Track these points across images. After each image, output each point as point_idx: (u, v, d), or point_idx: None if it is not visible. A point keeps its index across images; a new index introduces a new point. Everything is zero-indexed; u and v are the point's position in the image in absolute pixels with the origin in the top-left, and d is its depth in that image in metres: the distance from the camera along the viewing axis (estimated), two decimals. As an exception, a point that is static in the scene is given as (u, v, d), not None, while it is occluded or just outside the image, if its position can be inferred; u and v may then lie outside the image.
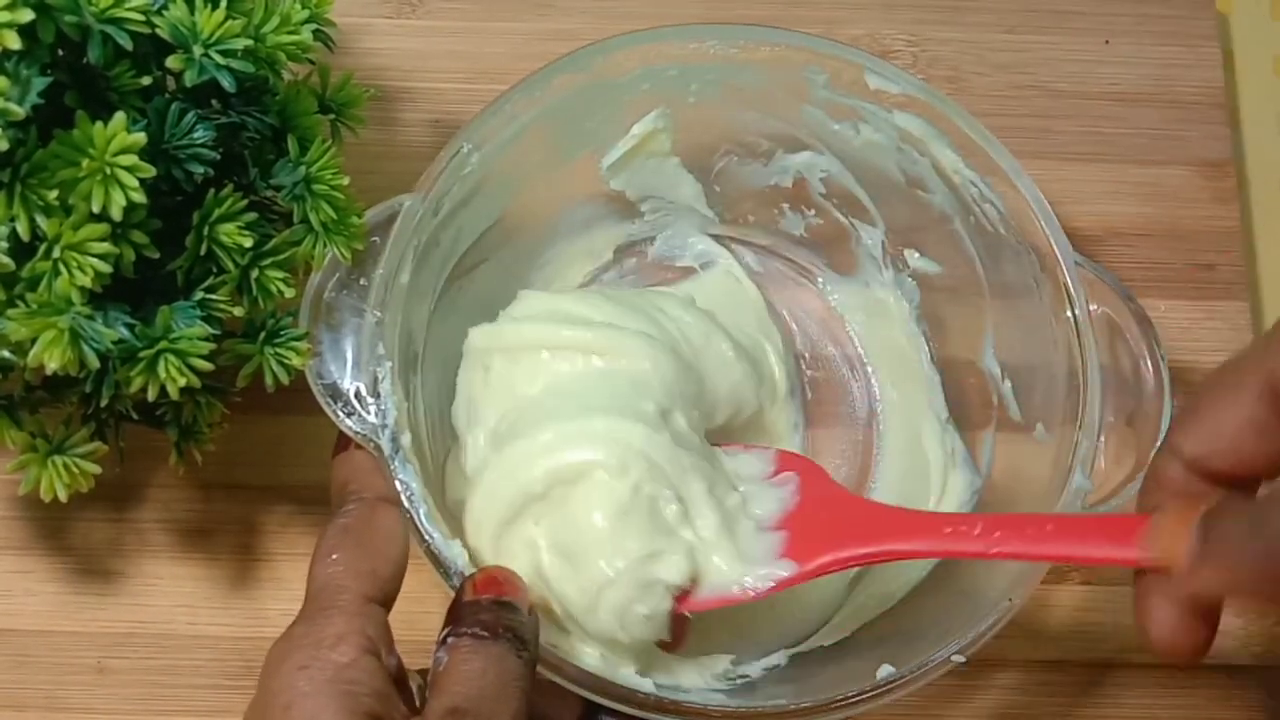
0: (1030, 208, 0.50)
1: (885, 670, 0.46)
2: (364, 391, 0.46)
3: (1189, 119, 0.63)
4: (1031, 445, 0.51)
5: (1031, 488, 0.50)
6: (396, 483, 0.45)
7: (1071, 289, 0.49)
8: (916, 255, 0.57)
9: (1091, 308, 0.49)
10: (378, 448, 0.45)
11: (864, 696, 0.45)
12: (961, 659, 0.46)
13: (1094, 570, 0.56)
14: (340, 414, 0.46)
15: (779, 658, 0.52)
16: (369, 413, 0.46)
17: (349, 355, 0.46)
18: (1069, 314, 0.49)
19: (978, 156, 0.51)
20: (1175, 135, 0.63)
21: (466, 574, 0.44)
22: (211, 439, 0.50)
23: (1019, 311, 0.52)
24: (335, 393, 0.46)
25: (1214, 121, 0.63)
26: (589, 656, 0.47)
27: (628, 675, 0.47)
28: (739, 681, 0.50)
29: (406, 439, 0.46)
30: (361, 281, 0.47)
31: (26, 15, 0.37)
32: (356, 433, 0.46)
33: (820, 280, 0.60)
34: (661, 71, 0.52)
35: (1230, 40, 0.67)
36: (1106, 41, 0.65)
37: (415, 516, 0.45)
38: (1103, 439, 0.48)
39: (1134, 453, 0.48)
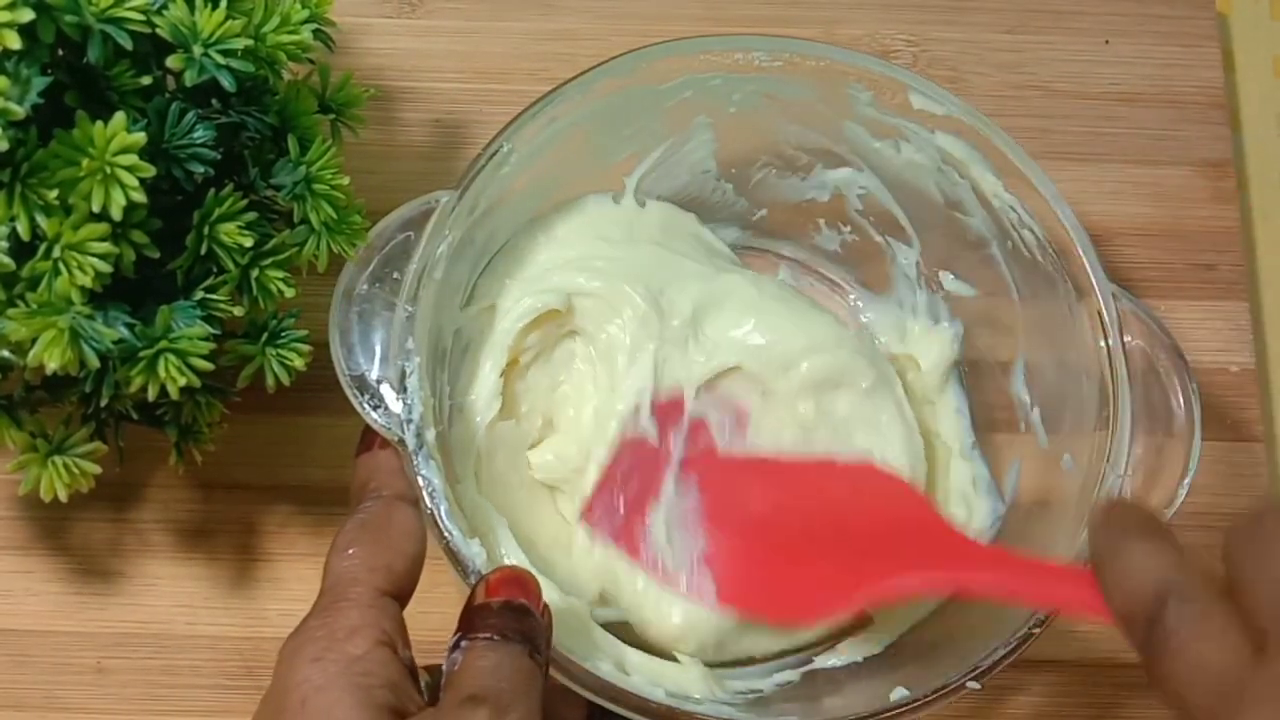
0: (1069, 235, 0.50)
1: (899, 693, 0.45)
2: (391, 385, 0.46)
3: (1189, 119, 0.63)
4: (1058, 475, 0.51)
5: (1056, 518, 0.50)
6: (418, 478, 0.45)
7: (1107, 319, 0.48)
8: (951, 277, 0.56)
9: (1125, 339, 0.48)
10: (401, 442, 0.45)
11: (875, 719, 0.45)
12: (977, 685, 0.45)
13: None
14: (366, 406, 0.45)
15: (792, 674, 0.52)
16: (395, 407, 0.46)
17: (378, 348, 0.46)
18: (1102, 344, 0.49)
19: (1018, 181, 0.51)
20: (1175, 135, 0.63)
21: (484, 572, 0.44)
22: (211, 439, 0.50)
23: (1052, 339, 0.52)
24: (363, 385, 0.46)
25: (1214, 121, 0.63)
26: (603, 664, 0.47)
27: (639, 683, 0.47)
28: (750, 696, 0.50)
29: (431, 435, 0.46)
30: (395, 276, 0.47)
31: (26, 15, 0.37)
32: (381, 426, 0.45)
33: (853, 297, 0.60)
34: (704, 80, 0.52)
35: (1230, 40, 0.67)
36: (1106, 41, 0.65)
37: (435, 513, 0.45)
38: (1130, 472, 0.47)
39: (1162, 485, 0.47)
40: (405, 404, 0.45)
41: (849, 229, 0.58)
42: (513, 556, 0.49)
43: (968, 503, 0.54)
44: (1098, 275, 0.49)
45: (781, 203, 0.58)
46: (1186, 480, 0.47)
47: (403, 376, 0.46)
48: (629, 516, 0.52)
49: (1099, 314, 0.49)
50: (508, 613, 0.40)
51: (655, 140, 0.55)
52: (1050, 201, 0.50)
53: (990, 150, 0.51)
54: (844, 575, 0.48)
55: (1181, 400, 0.48)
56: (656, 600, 0.50)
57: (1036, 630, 0.45)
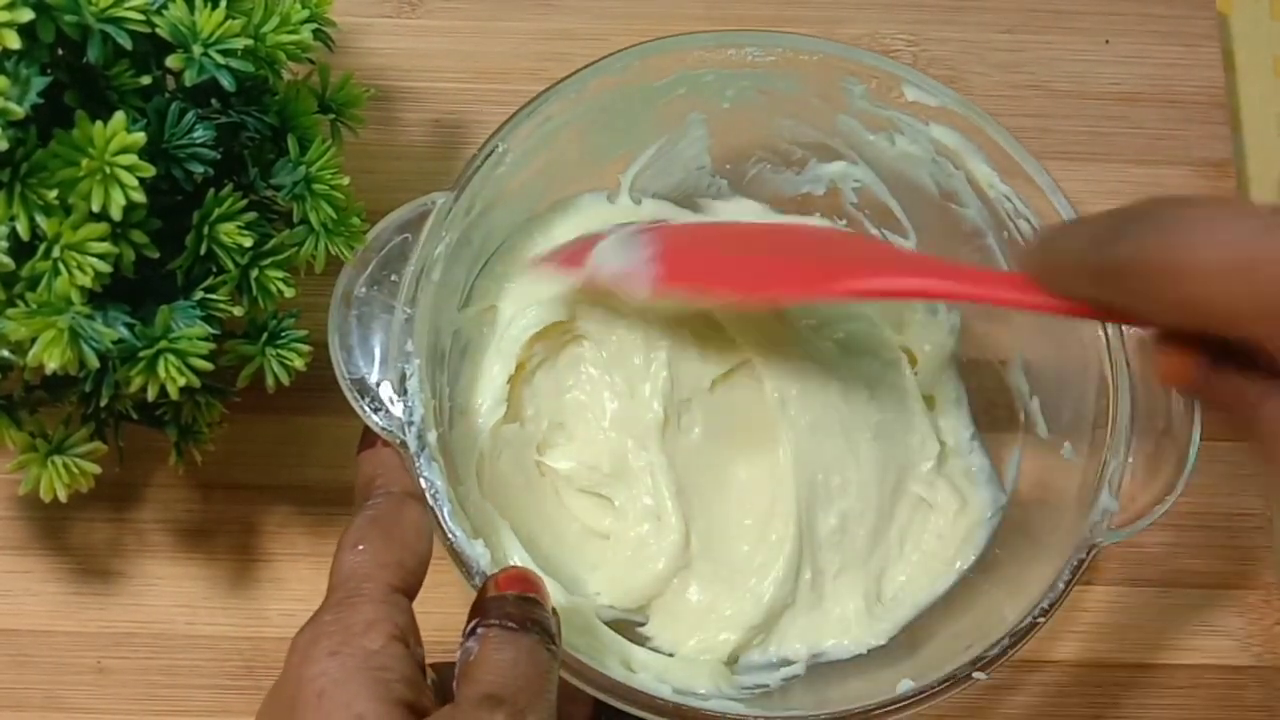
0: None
1: (905, 685, 0.46)
2: (391, 388, 0.46)
3: (1189, 119, 0.63)
4: (1059, 463, 0.51)
5: (1058, 506, 0.50)
6: (421, 480, 0.45)
7: None
8: None
9: (1123, 326, 0.48)
10: (404, 445, 0.45)
11: (882, 710, 0.45)
12: (983, 675, 0.45)
13: (1092, 570, 0.56)
14: (367, 409, 0.45)
15: (798, 667, 0.52)
16: (396, 409, 0.46)
17: (377, 351, 0.46)
18: (1100, 332, 0.49)
19: (1013, 171, 0.51)
20: (1175, 135, 0.63)
21: (489, 573, 0.44)
22: (211, 439, 0.50)
23: (1050, 329, 0.52)
24: (363, 388, 0.46)
25: (1214, 121, 0.63)
26: (609, 662, 0.47)
27: (646, 681, 0.47)
28: (757, 690, 0.50)
29: (432, 436, 0.46)
30: (393, 278, 0.47)
31: (26, 15, 0.37)
32: (383, 429, 0.45)
33: None
34: (698, 76, 0.52)
35: (1230, 40, 0.67)
36: (1106, 41, 0.65)
37: (439, 515, 0.45)
38: (1130, 460, 0.47)
39: (1162, 474, 0.47)
40: (406, 406, 0.45)
41: (844, 222, 0.58)
42: (516, 556, 0.49)
43: (967, 493, 0.54)
44: None
45: (777, 197, 0.58)
46: (1187, 468, 0.47)
47: (403, 379, 0.46)
48: (580, 251, 0.52)
49: None
50: (521, 603, 0.40)
51: (650, 137, 0.55)
52: (1046, 191, 0.50)
53: (985, 141, 0.51)
54: (799, 270, 0.47)
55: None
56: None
57: (1041, 620, 0.46)
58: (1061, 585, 0.46)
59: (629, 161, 0.56)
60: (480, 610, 0.40)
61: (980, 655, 0.45)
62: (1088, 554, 0.46)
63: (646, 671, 0.49)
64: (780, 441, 0.53)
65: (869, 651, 0.52)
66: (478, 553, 0.45)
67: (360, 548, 0.42)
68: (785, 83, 0.53)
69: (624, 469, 0.53)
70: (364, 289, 0.47)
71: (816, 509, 0.53)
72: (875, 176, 0.56)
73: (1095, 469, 0.48)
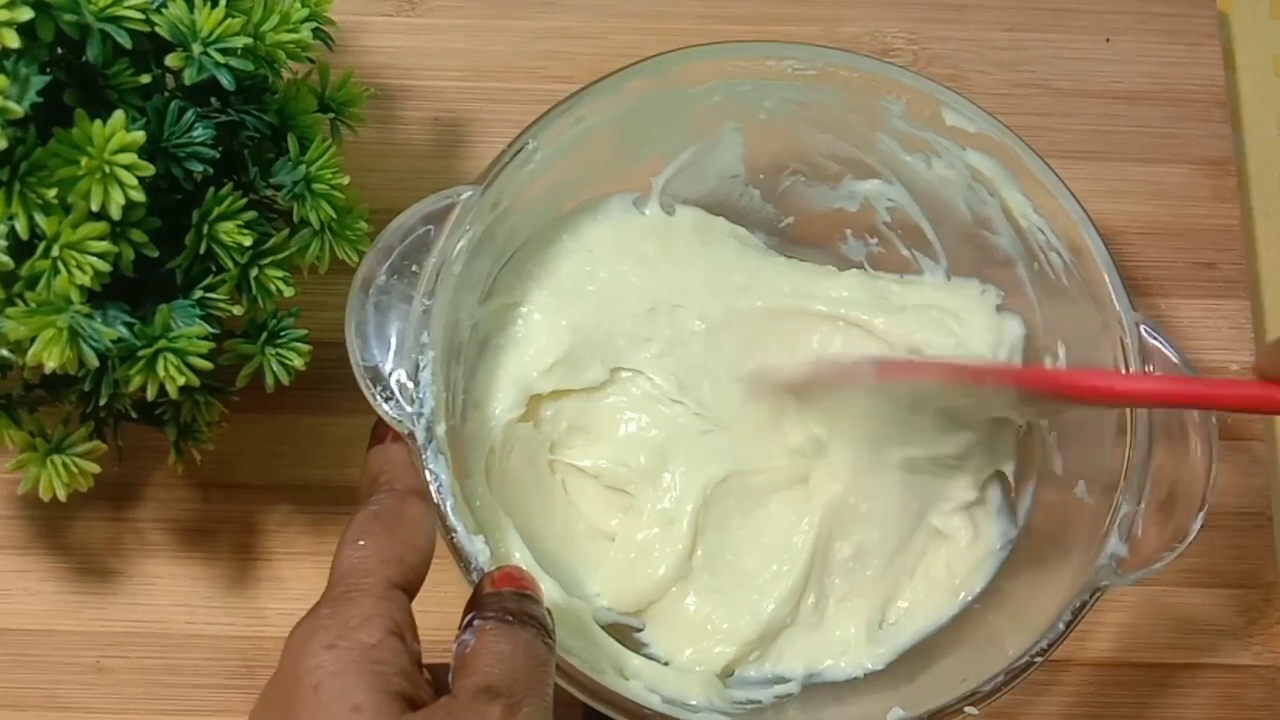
0: (1096, 261, 0.49)
1: (896, 713, 0.45)
2: (404, 378, 0.45)
3: (1190, 117, 0.63)
4: (1072, 502, 0.50)
5: (1067, 544, 0.49)
6: (426, 472, 0.45)
7: (1129, 347, 0.48)
8: None
9: (1146, 368, 0.48)
10: (412, 435, 0.45)
11: None
12: (974, 711, 0.45)
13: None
14: (378, 398, 0.45)
15: (793, 686, 0.52)
16: (407, 400, 0.45)
17: (393, 340, 0.46)
18: (1124, 373, 0.48)
19: (1048, 203, 0.50)
20: (1176, 134, 0.63)
21: (486, 569, 0.44)
22: (210, 438, 0.50)
23: (1072, 363, 0.51)
24: (376, 376, 0.45)
25: (1215, 120, 0.63)
26: (602, 666, 0.47)
27: (636, 689, 0.47)
28: (749, 706, 0.50)
29: (441, 429, 0.45)
30: (414, 268, 0.46)
31: (26, 14, 0.37)
32: (392, 418, 0.45)
33: None
34: (735, 85, 0.52)
35: (1230, 39, 0.67)
36: (1107, 40, 0.65)
37: (442, 507, 0.44)
38: (1143, 505, 0.46)
39: (1174, 520, 0.46)
40: (417, 397, 0.45)
41: (875, 241, 0.58)
42: (518, 554, 0.49)
43: (981, 524, 0.54)
44: (1123, 302, 0.48)
45: (809, 211, 0.58)
46: (1201, 514, 0.46)
47: (416, 369, 0.45)
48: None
49: (1121, 341, 0.48)
50: (518, 598, 0.41)
51: (683, 143, 0.55)
52: (1079, 224, 0.49)
53: (1020, 170, 0.51)
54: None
55: (1201, 436, 0.47)
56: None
57: (1039, 659, 0.45)
58: (1062, 626, 0.45)
59: (661, 166, 0.55)
60: (476, 605, 0.41)
61: (974, 690, 0.45)
62: (1091, 596, 0.45)
63: (639, 679, 0.49)
64: (827, 472, 0.53)
65: (865, 675, 0.52)
66: (477, 548, 0.45)
67: (361, 543, 0.42)
68: (824, 97, 0.52)
69: (659, 467, 0.53)
70: (384, 277, 0.46)
71: (835, 536, 0.53)
72: (910, 197, 0.55)
73: (1106, 510, 0.47)
